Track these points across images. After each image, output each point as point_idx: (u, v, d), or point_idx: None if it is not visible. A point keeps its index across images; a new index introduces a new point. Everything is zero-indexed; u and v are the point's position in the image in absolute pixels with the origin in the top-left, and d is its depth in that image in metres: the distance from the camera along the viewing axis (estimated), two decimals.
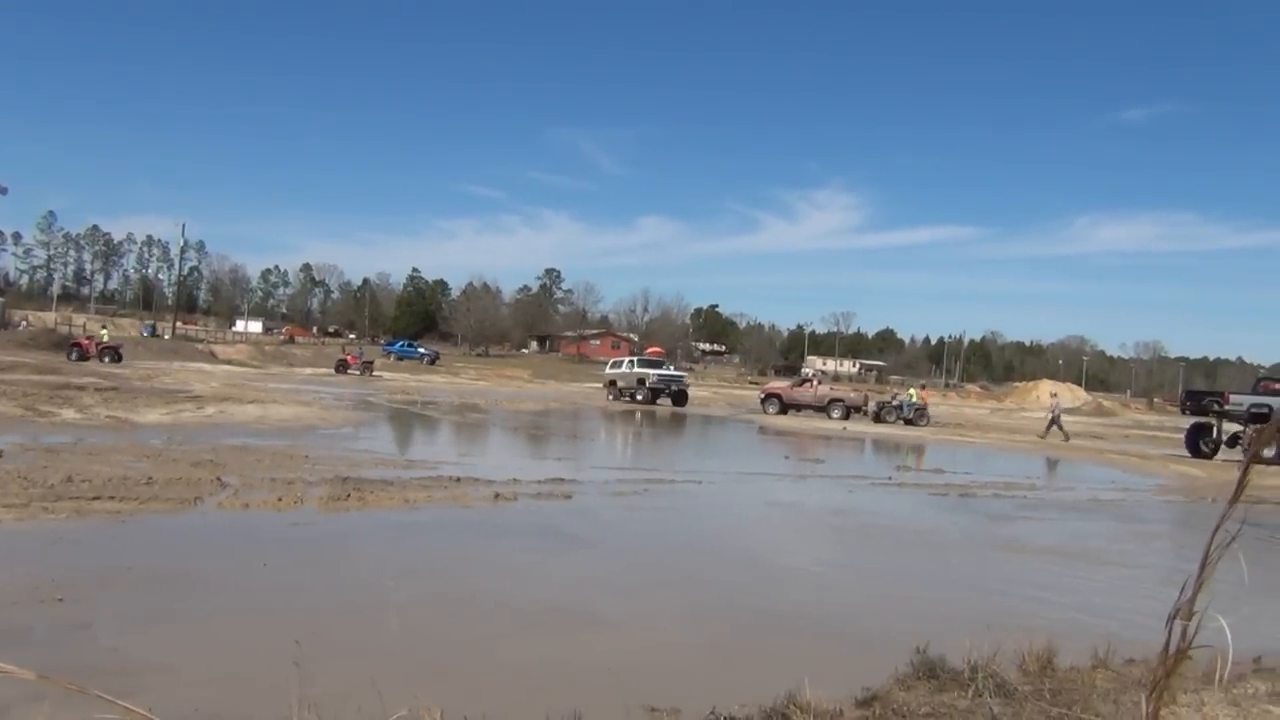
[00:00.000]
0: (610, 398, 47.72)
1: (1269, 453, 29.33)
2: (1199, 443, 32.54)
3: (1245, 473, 2.24)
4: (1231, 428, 31.39)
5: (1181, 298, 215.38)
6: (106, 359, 45.26)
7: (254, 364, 64.06)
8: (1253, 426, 29.56)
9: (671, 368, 52.98)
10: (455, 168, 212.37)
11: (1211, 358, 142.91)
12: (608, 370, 51.20)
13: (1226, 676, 6.05)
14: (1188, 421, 34.12)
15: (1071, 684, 5.91)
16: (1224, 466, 27.79)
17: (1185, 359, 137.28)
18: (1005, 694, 5.52)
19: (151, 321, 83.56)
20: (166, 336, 77.23)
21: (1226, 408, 31.21)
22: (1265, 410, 30.15)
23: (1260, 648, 7.04)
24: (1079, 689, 5.80)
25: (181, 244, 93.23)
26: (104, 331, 52.67)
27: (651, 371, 47.65)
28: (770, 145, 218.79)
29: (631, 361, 50.79)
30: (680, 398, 46.42)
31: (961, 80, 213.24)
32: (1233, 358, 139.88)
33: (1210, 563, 2.07)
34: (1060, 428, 38.98)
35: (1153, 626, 2.29)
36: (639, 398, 45.81)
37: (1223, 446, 31.60)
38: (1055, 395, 61.28)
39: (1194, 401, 33.94)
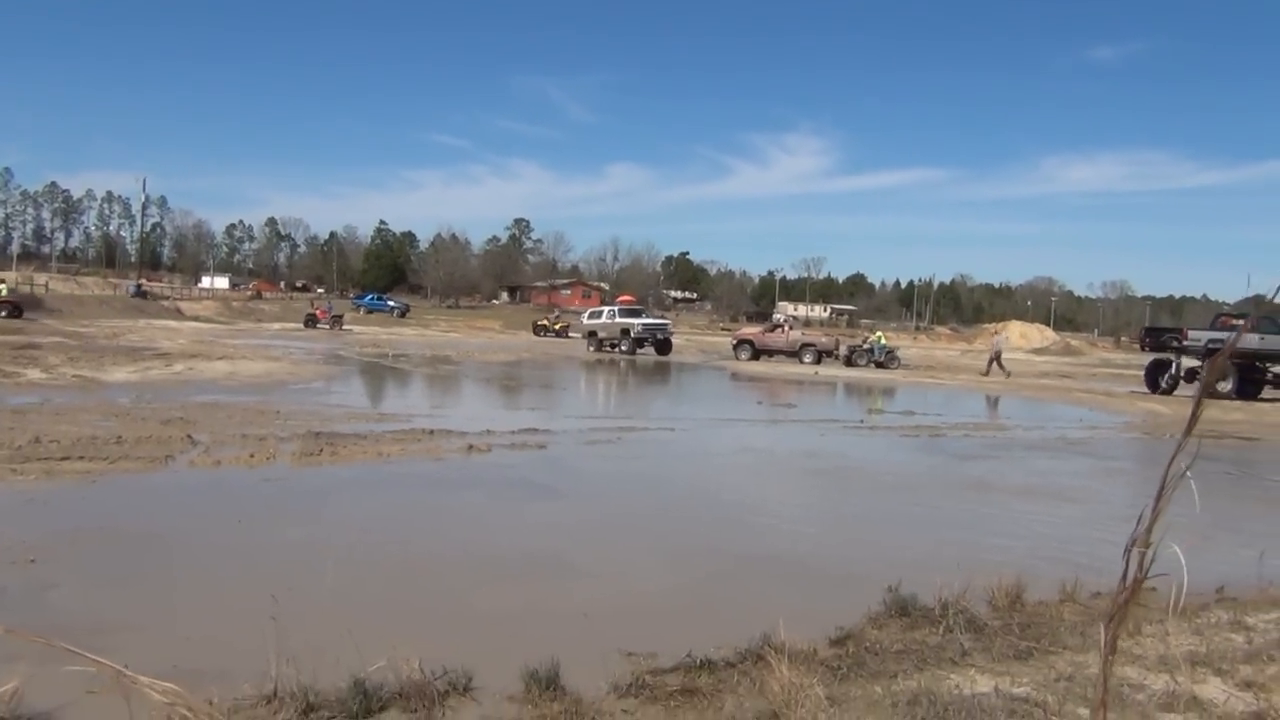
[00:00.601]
0: (590, 349, 45.83)
1: (1225, 387, 29.85)
2: (1158, 379, 33.06)
3: (1197, 406, 2.27)
4: (1190, 363, 31.75)
5: (1148, 237, 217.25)
6: (3, 313, 44.80)
7: (221, 320, 63.50)
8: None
9: (653, 316, 51.46)
10: (421, 118, 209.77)
11: (1177, 296, 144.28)
12: (585, 320, 49.36)
13: (1184, 605, 6.21)
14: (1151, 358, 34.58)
15: (1040, 618, 6.04)
16: (1188, 403, 28.16)
17: (1151, 298, 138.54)
18: (975, 629, 5.64)
19: (138, 281, 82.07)
20: (140, 297, 75.92)
21: (1184, 344, 31.62)
22: (1221, 345, 30.56)
23: (1225, 577, 7.21)
24: (1047, 622, 5.93)
25: (143, 200, 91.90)
26: (2, 286, 51.78)
27: (636, 321, 45.69)
28: (740, 90, 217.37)
29: (612, 311, 48.31)
30: (665, 346, 44.93)
31: (930, 22, 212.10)
32: (1198, 295, 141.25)
33: (1166, 492, 2.11)
34: (1001, 365, 40.04)
35: (1118, 560, 2.33)
36: (623, 348, 44.07)
37: (1181, 382, 32.05)
38: (997, 333, 62.09)
39: (1153, 338, 34.40)
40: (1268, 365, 31.77)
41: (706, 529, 9.25)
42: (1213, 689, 4.82)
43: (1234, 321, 33.81)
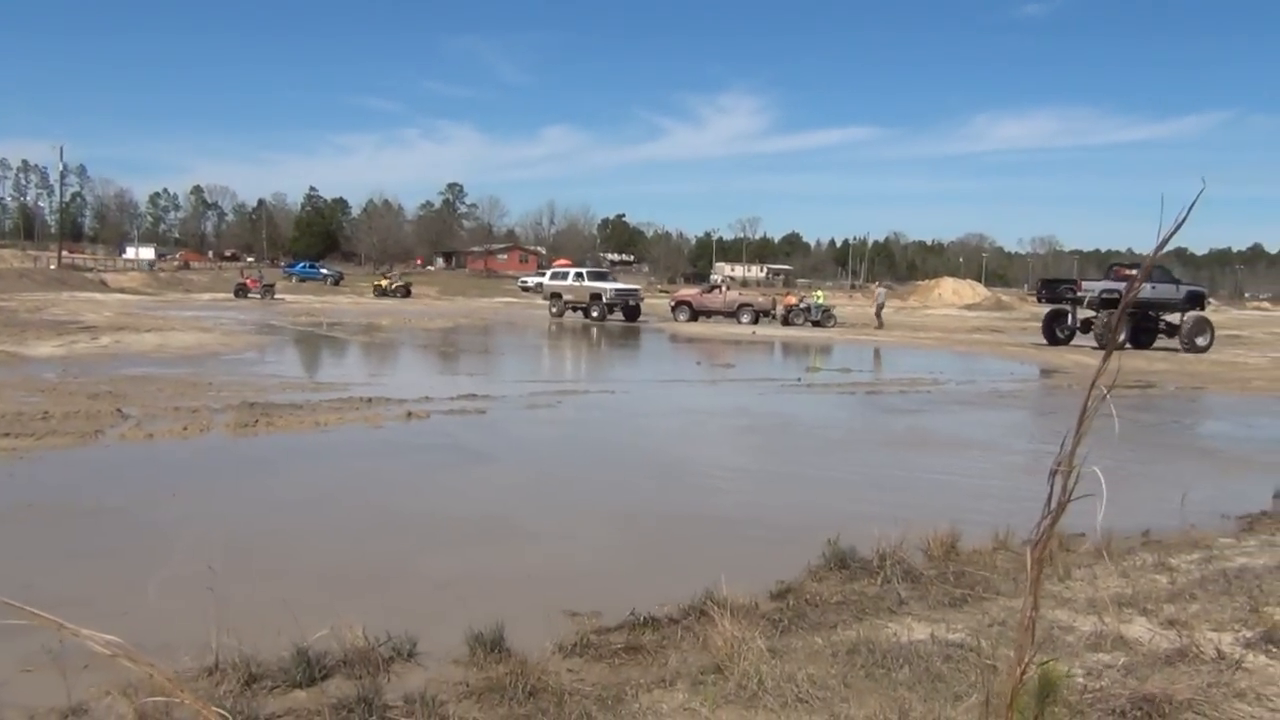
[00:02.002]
0: (554, 311, 43.88)
1: (1119, 337, 30.65)
2: (1055, 330, 33.66)
3: (1112, 343, 2.37)
4: (1085, 314, 32.40)
5: (1075, 192, 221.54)
6: None
7: (149, 291, 61.96)
8: (1104, 311, 30.74)
9: (620, 280, 49.62)
10: (351, 81, 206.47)
11: (1104, 250, 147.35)
12: (548, 282, 47.14)
13: (1111, 548, 6.42)
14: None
15: (974, 566, 6.20)
16: (1128, 355, 28.92)
17: (1079, 252, 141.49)
18: (912, 579, 5.78)
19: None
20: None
21: (1079, 294, 32.21)
22: (1116, 295, 31.31)
23: (1149, 523, 7.46)
24: (981, 570, 6.09)
25: (61, 169, 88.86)
26: None
27: (607, 286, 43.74)
28: (675, 49, 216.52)
29: (579, 274, 45.33)
30: (634, 313, 43.14)
31: None
32: (1123, 249, 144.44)
33: (1087, 417, 2.18)
34: (878, 317, 42.99)
35: (1040, 503, 2.40)
36: (593, 313, 42.06)
37: (1077, 333, 32.76)
38: (878, 286, 63.51)
39: (1049, 290, 34.95)
40: (1160, 314, 32.53)
41: (648, 489, 9.32)
42: (1138, 628, 4.98)
43: (1127, 272, 34.50)
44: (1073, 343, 32.62)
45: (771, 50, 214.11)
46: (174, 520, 7.54)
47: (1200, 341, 31.46)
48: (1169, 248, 2.21)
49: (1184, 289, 32.94)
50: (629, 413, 14.64)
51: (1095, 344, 30.95)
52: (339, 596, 5.48)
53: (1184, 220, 2.15)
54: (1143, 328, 32.09)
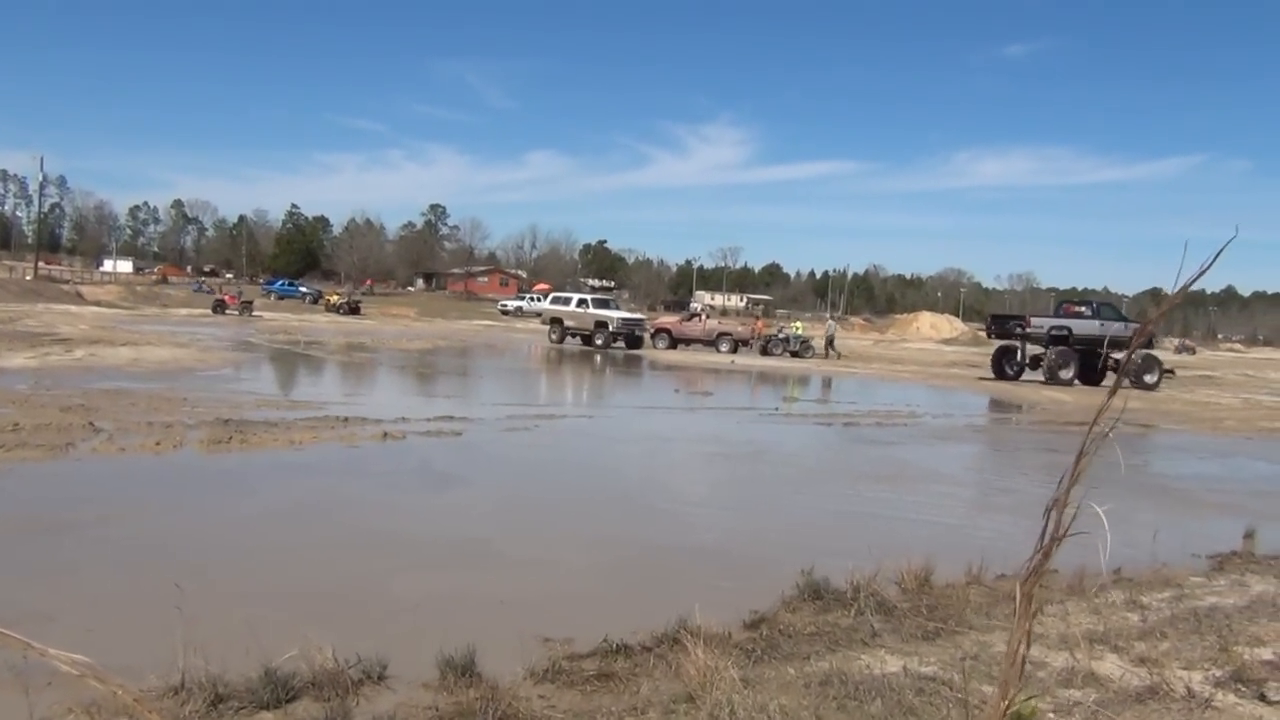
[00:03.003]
0: (553, 338, 42.62)
1: (1067, 374, 30.85)
2: (1004, 365, 33.80)
3: (1118, 381, 2.39)
4: (1034, 350, 32.52)
5: (1053, 230, 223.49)
6: None
7: (125, 305, 61.48)
8: (1053, 348, 30.93)
9: (624, 308, 48.98)
10: (337, 101, 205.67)
11: (1080, 287, 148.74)
12: (549, 306, 45.72)
13: (1083, 585, 6.44)
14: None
15: (947, 599, 6.21)
16: (1090, 392, 29.12)
17: (1056, 289, 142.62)
18: (885, 611, 5.79)
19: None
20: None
21: (1028, 330, 32.39)
22: (1064, 332, 31.57)
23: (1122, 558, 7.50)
24: (954, 604, 6.10)
25: (40, 179, 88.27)
26: None
27: (614, 314, 42.26)
28: (661, 80, 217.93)
29: (583, 300, 43.91)
30: (638, 342, 42.05)
31: (847, 16, 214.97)
32: (1099, 287, 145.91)
33: (1086, 454, 2.19)
34: (833, 348, 43.59)
35: (1023, 540, 2.41)
36: (597, 341, 40.76)
37: (1026, 369, 32.82)
38: (830, 318, 64.20)
39: (999, 325, 35.18)
40: (1109, 352, 32.72)
41: (623, 516, 9.29)
42: (1109, 665, 5.03)
43: (1076, 309, 34.80)
44: (1023, 378, 32.76)
45: (756, 83, 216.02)
46: (143, 536, 7.46)
47: (1149, 379, 31.62)
48: (1197, 284, 2.22)
49: (1132, 327, 33.16)
50: (606, 438, 14.61)
51: (1044, 379, 31.08)
52: (308, 617, 5.42)
53: (1210, 265, 2.14)
54: (1092, 365, 32.21)
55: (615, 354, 38.58)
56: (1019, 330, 32.78)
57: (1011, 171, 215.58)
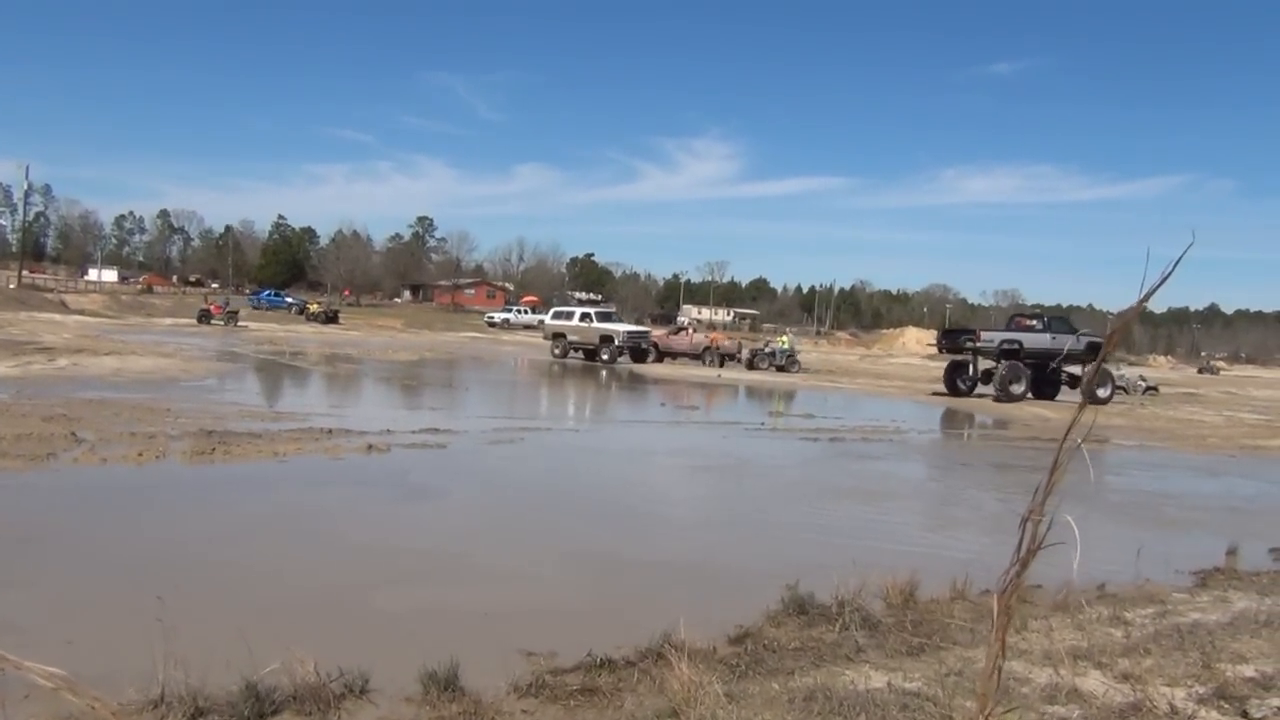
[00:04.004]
0: (556, 353, 41.75)
1: (1019, 389, 30.83)
2: (956, 380, 33.57)
3: (1087, 394, 2.40)
4: (986, 364, 32.34)
5: (1038, 248, 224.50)
6: None
7: (110, 314, 61.22)
8: (1004, 362, 30.93)
9: (628, 322, 47.72)
10: (324, 112, 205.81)
11: (1065, 305, 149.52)
12: (551, 321, 44.83)
13: (1067, 601, 6.46)
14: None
15: (932, 615, 6.21)
16: (1073, 408, 29.11)
17: (1041, 306, 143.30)
18: (870, 626, 5.78)
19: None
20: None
21: (979, 345, 32.30)
22: (1016, 346, 31.55)
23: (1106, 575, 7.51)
24: (938, 619, 6.09)
25: (25, 187, 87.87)
26: None
27: (619, 328, 41.41)
28: (651, 94, 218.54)
29: (586, 314, 42.46)
30: (644, 355, 41.72)
31: (837, 34, 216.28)
32: (1084, 305, 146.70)
33: (1059, 467, 2.20)
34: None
35: (1004, 555, 2.42)
36: (603, 356, 39.78)
37: (978, 384, 32.60)
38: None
39: (950, 340, 35.01)
40: (1061, 366, 32.62)
41: (607, 530, 9.26)
42: (1093, 681, 5.03)
43: (1027, 323, 34.77)
44: (975, 392, 32.71)
45: (745, 99, 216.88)
46: (124, 547, 7.40)
47: (1101, 393, 31.52)
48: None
49: (1084, 339, 33.08)
50: (592, 451, 14.59)
51: (995, 394, 30.99)
52: (291, 630, 5.37)
53: (1169, 275, 2.17)
54: (1045, 379, 32.17)
55: (599, 368, 38.53)
56: (969, 344, 32.64)
57: (997, 189, 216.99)
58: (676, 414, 21.82)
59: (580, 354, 41.40)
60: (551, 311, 48.47)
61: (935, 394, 33.06)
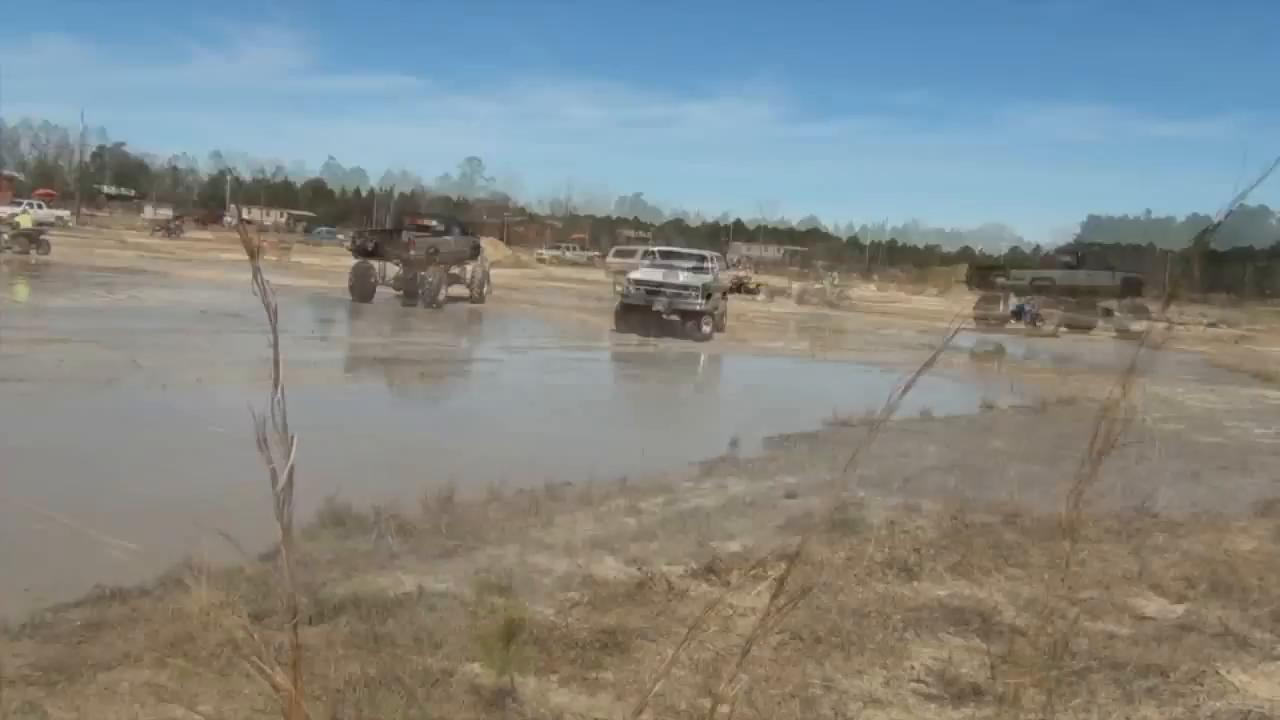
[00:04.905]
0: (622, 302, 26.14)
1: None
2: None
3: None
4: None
5: (1097, 187, 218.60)
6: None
7: (165, 251, 62.02)
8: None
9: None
10: (372, 58, 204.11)
11: (1124, 244, 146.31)
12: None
13: (591, 497, 7.25)
14: None
15: (466, 518, 6.40)
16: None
17: (1100, 245, 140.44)
18: (405, 533, 5.89)
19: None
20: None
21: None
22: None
23: None
24: (472, 522, 6.31)
25: (81, 130, 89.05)
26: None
27: (702, 277, 25.11)
28: (699, 33, 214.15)
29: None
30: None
31: None
32: (1145, 244, 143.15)
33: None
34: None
35: None
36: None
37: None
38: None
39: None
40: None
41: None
42: (607, 567, 5.56)
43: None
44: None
45: (797, 37, 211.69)
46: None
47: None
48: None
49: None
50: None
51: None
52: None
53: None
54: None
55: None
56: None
57: (1058, 125, 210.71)
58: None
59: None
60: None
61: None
